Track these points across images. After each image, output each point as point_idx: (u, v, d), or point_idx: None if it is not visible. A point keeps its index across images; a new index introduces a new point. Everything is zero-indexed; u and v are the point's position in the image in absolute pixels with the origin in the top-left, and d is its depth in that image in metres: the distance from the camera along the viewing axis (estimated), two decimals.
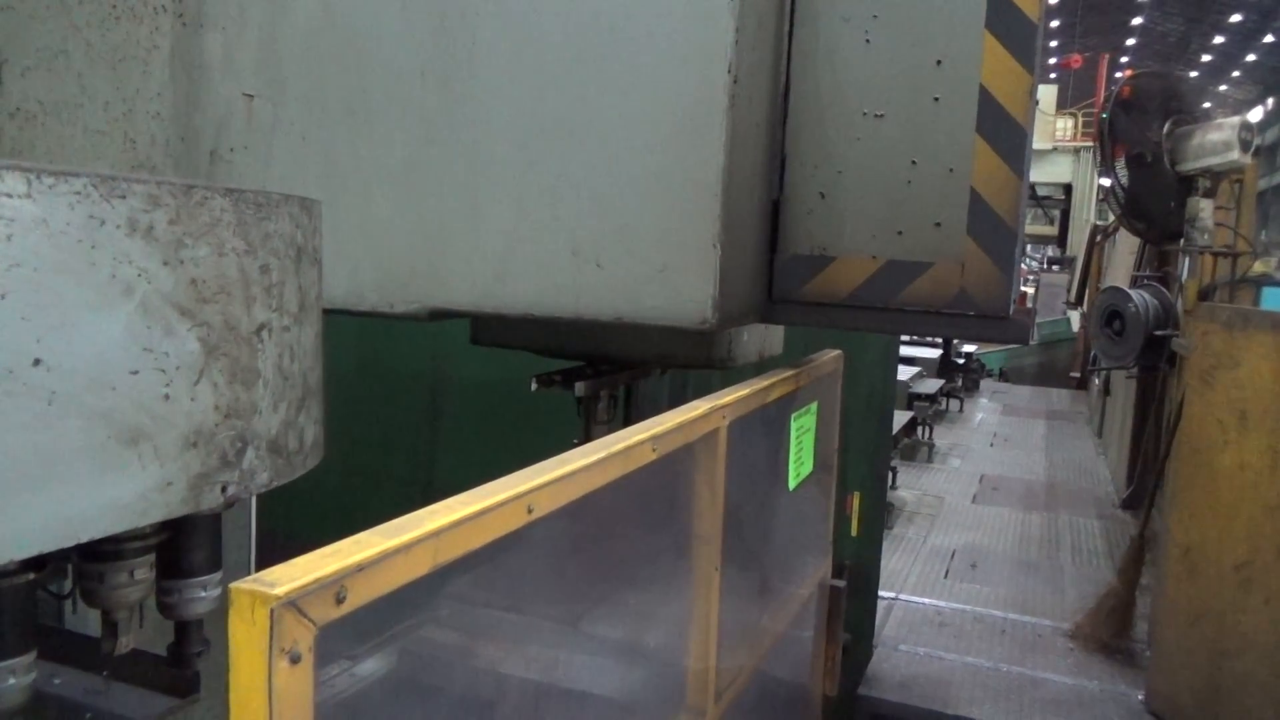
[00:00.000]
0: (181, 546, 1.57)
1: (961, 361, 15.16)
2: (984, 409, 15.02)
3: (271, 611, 0.93)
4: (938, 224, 2.44)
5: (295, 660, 0.96)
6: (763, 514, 2.77)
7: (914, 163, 2.48)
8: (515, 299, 2.39)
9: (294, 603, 0.95)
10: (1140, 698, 4.88)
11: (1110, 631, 5.58)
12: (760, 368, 4.64)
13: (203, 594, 1.62)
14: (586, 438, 2.78)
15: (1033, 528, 8.11)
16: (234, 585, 0.95)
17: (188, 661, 1.67)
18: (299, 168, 2.59)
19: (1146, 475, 7.06)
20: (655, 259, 2.27)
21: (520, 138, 2.38)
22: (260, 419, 1.43)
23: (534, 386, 2.82)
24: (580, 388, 2.76)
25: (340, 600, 1.01)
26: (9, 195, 1.07)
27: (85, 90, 2.61)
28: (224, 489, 1.37)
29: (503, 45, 2.39)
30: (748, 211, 2.42)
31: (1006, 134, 2.44)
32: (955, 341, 14.08)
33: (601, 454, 1.63)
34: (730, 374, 2.80)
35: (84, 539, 1.18)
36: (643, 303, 2.29)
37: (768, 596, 2.96)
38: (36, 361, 1.10)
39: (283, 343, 1.48)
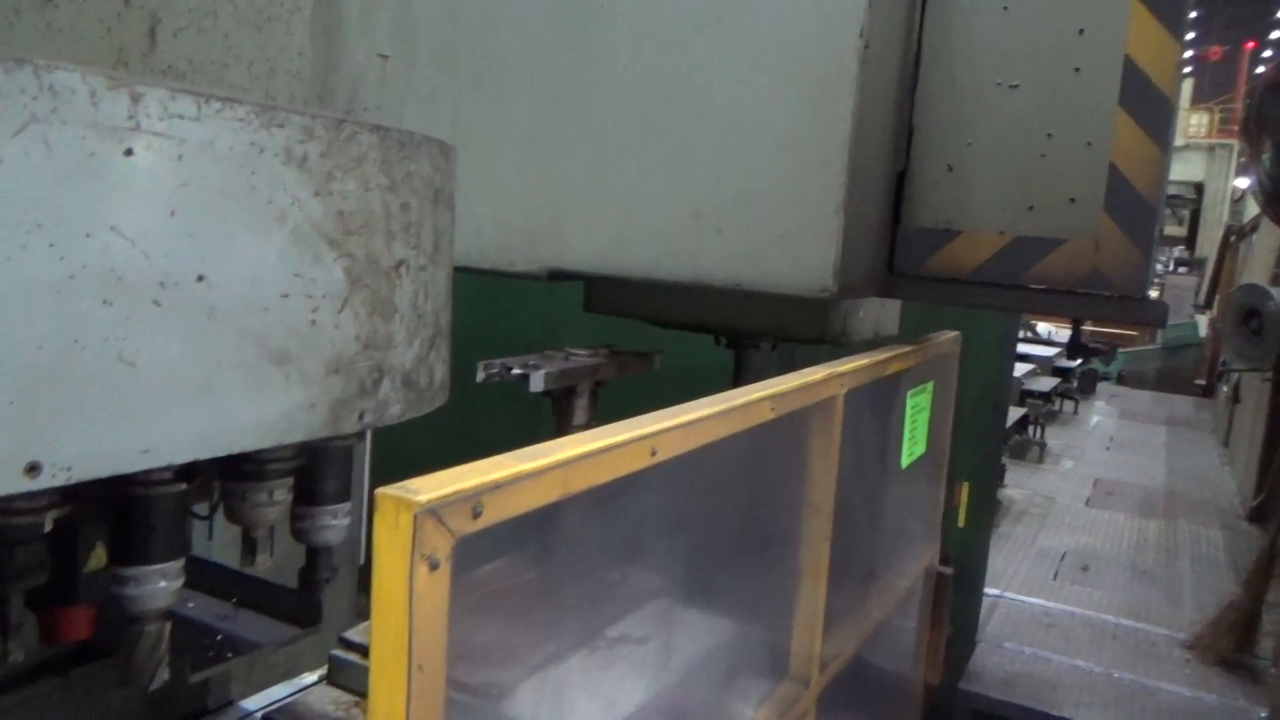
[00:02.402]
0: (316, 474, 1.64)
1: (1079, 363, 14.58)
2: (1100, 412, 14.43)
3: (415, 517, 0.96)
4: (1072, 199, 2.35)
5: (434, 567, 0.99)
6: (874, 490, 2.72)
7: (1049, 135, 2.39)
8: (634, 262, 2.40)
9: (435, 511, 0.98)
10: (1263, 716, 4.63)
11: (1231, 645, 5.31)
12: (873, 347, 4.57)
13: (333, 522, 1.69)
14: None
15: (1149, 535, 7.77)
16: (380, 491, 0.98)
17: (316, 586, 1.74)
18: (428, 128, 2.64)
19: (1278, 486, 6.67)
20: (776, 225, 2.25)
21: (645, 101, 2.39)
22: (396, 352, 1.47)
23: (480, 375, 2.46)
24: (538, 381, 2.44)
25: (476, 514, 1.04)
26: (180, 117, 1.12)
27: (231, 50, 2.73)
28: (361, 416, 1.42)
29: (632, 7, 2.39)
30: (872, 181, 2.37)
31: (1151, 107, 2.33)
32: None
33: (722, 406, 1.63)
34: (841, 352, 2.75)
35: (235, 450, 1.24)
36: (762, 269, 2.27)
37: (874, 575, 2.92)
38: (200, 278, 1.16)
39: (419, 281, 1.52)
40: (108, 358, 1.07)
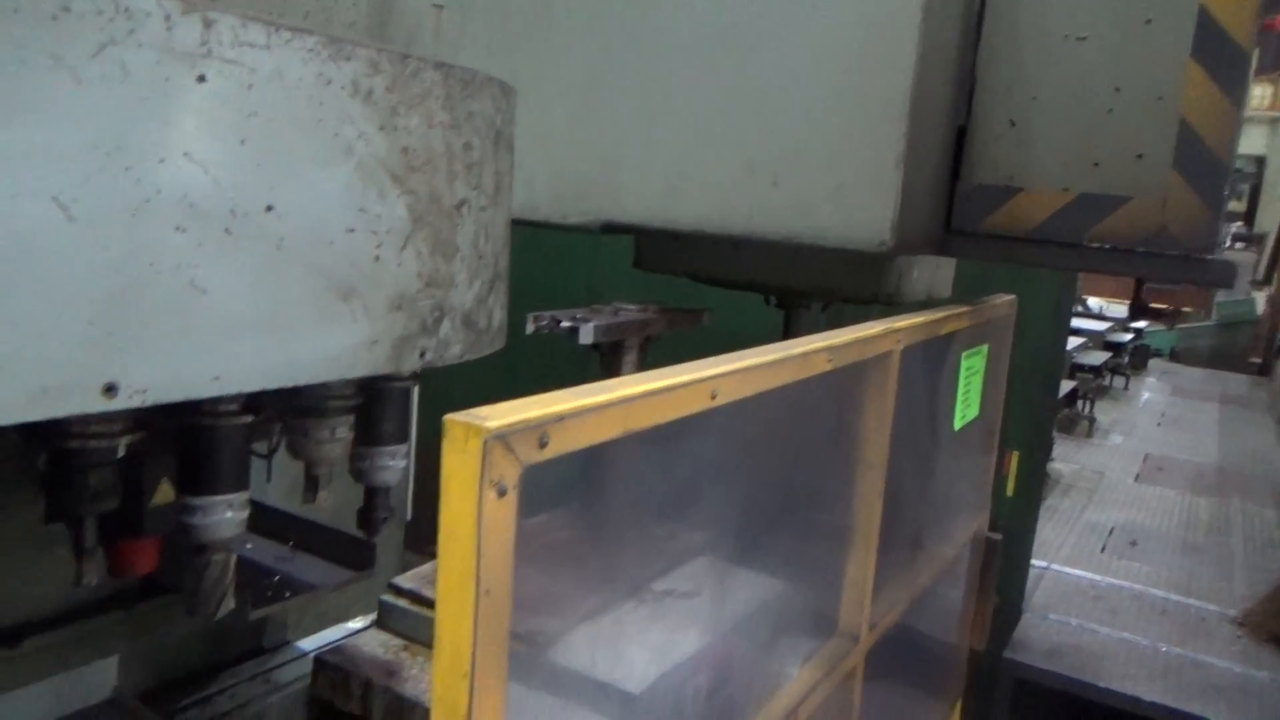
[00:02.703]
0: (375, 415, 1.66)
1: (1131, 337, 14.30)
2: (1151, 388, 14.15)
3: (484, 442, 0.96)
4: (1139, 155, 2.28)
5: (502, 493, 0.99)
6: (926, 450, 2.70)
7: (1117, 89, 2.32)
8: (686, 214, 2.38)
9: (504, 437, 0.98)
10: None
11: None
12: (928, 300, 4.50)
13: (391, 463, 1.71)
14: None
15: (1200, 511, 7.63)
16: (448, 417, 0.99)
17: (374, 526, 1.76)
18: None
19: None
20: (833, 177, 2.22)
21: (700, 52, 2.36)
22: (456, 292, 1.48)
23: (530, 327, 2.54)
24: (587, 333, 2.52)
25: (543, 444, 1.04)
26: (251, 45, 1.13)
27: (288, 0, 2.74)
28: (422, 354, 1.43)
29: None
30: (932, 136, 2.33)
31: (1226, 59, 2.25)
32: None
33: (780, 354, 1.62)
34: (893, 314, 2.71)
35: (301, 382, 1.26)
36: (817, 222, 2.24)
37: (924, 537, 2.90)
38: (269, 208, 1.17)
39: (479, 221, 1.52)
40: (181, 284, 1.09)
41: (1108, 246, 2.32)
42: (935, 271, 3.05)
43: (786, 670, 2.14)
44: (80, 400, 1.02)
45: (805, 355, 1.70)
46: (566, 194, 2.53)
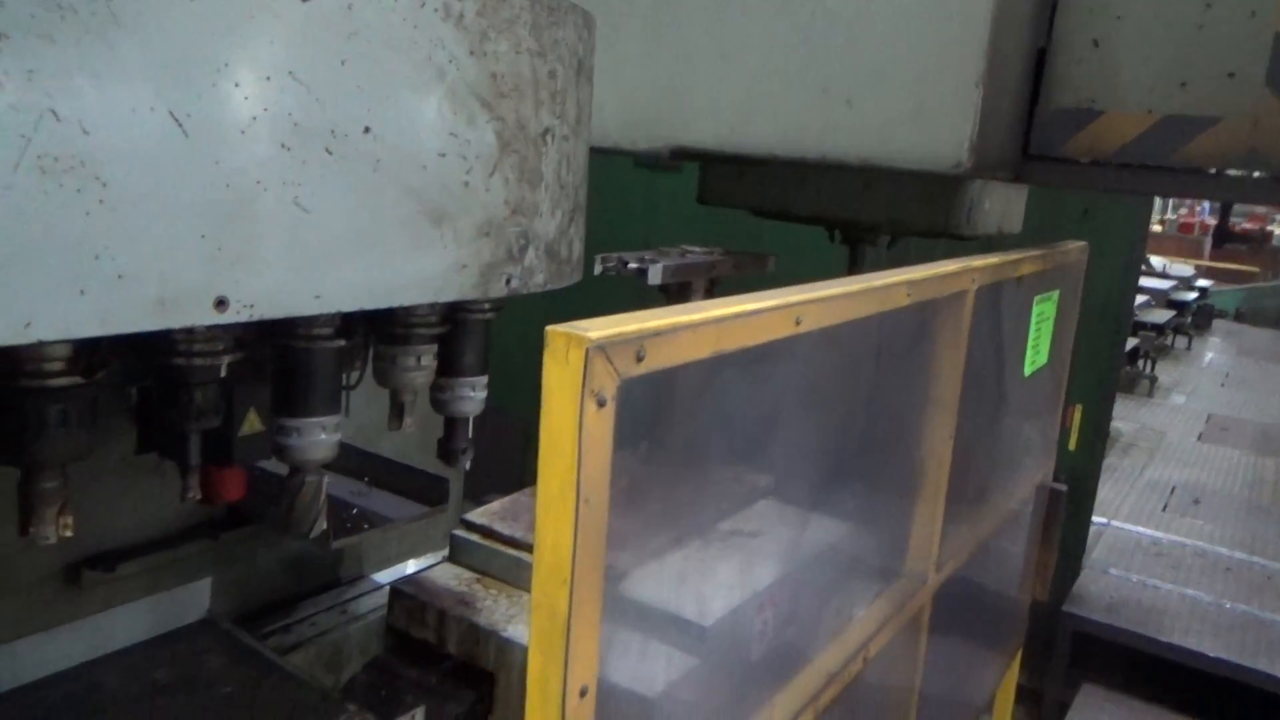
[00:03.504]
0: (456, 346, 1.69)
1: (1195, 296, 13.93)
2: (1215, 348, 13.80)
3: (586, 352, 0.98)
4: (1230, 74, 2.18)
5: (602, 404, 1.01)
6: (995, 394, 2.67)
7: (1208, 5, 2.22)
8: (758, 139, 2.34)
9: (604, 348, 1.00)
10: None
11: None
12: (995, 247, 4.41)
13: (471, 394, 1.74)
14: None
15: (1266, 472, 7.47)
16: (550, 328, 1.01)
17: (454, 456, 1.80)
18: None
19: None
20: (910, 98, 2.16)
21: None
22: (540, 221, 1.49)
23: (597, 268, 2.48)
24: (655, 274, 2.46)
25: (639, 358, 1.06)
26: None
27: None
28: (508, 281, 1.45)
29: None
30: (1012, 57, 2.25)
31: None
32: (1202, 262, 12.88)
33: (861, 285, 1.61)
34: (958, 252, 2.65)
35: (395, 304, 1.28)
36: (893, 144, 2.19)
37: (991, 482, 2.88)
38: (366, 129, 1.19)
39: (562, 151, 1.53)
40: (285, 202, 1.11)
41: (1195, 169, 2.23)
42: (1006, 205, 2.96)
43: (854, 609, 2.16)
44: (194, 312, 1.05)
45: (885, 288, 1.70)
46: (637, 120, 2.51)
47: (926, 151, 2.13)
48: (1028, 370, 2.85)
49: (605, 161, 6.30)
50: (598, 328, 1.02)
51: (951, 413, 2.21)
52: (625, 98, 2.49)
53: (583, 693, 1.07)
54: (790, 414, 1.82)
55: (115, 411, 1.87)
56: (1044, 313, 2.90)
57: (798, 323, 1.39)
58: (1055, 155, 2.33)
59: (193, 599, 1.86)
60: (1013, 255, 2.43)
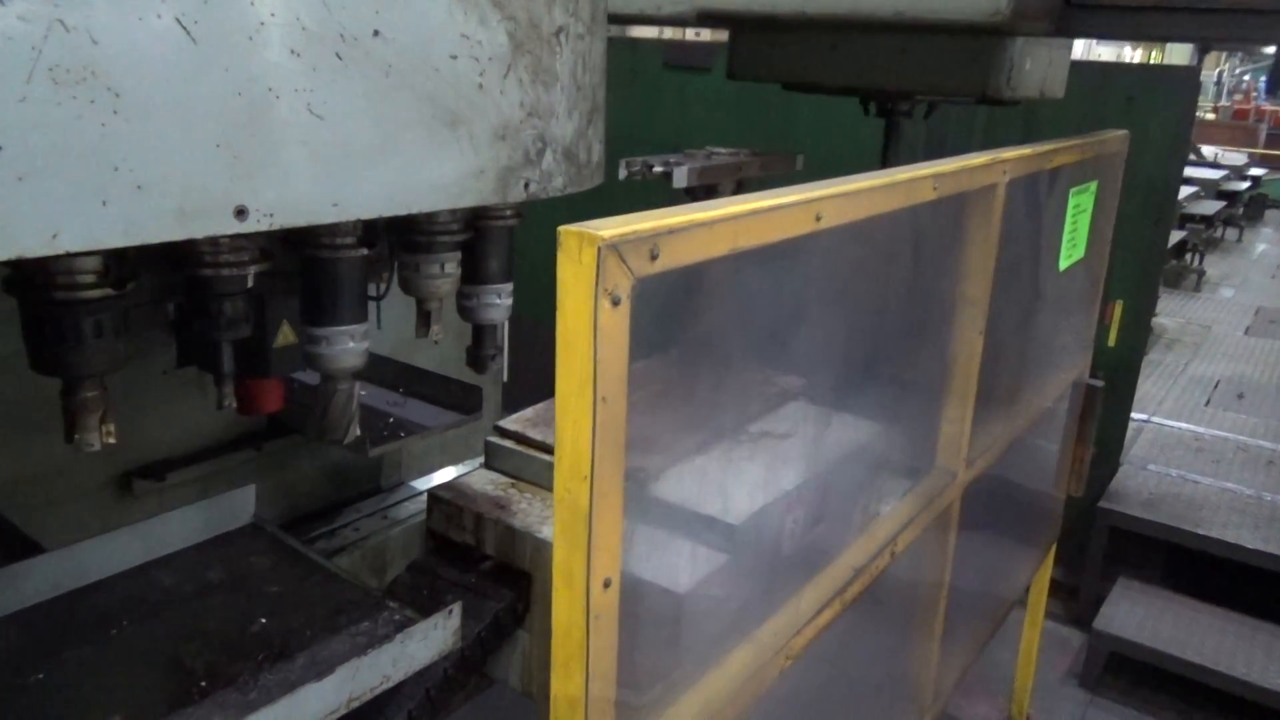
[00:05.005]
0: (481, 254, 1.70)
1: (1248, 186, 13.47)
2: (1268, 239, 13.42)
3: (599, 250, 0.98)
4: None
5: (616, 303, 1.02)
6: (1029, 289, 2.64)
7: None
8: None
9: (616, 247, 1.00)
10: None
11: None
12: (1031, 127, 4.27)
13: (498, 301, 1.76)
14: None
15: None
16: (562, 228, 1.01)
17: (483, 362, 1.83)
18: None
19: None
20: None
21: None
22: (557, 123, 1.48)
23: (622, 172, 2.48)
24: (680, 176, 2.45)
25: (654, 257, 1.06)
26: None
27: None
28: (526, 185, 1.44)
29: None
30: None
31: None
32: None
33: (885, 180, 1.59)
34: (997, 140, 2.54)
35: (413, 210, 1.29)
36: None
37: (1024, 378, 2.87)
38: (376, 32, 1.18)
39: (577, 50, 1.50)
40: (299, 108, 1.11)
41: (1241, 9, 2.12)
42: (1049, 67, 2.85)
43: (884, 506, 2.19)
44: (214, 222, 1.07)
45: (911, 181, 1.67)
46: None
47: (964, 1, 2.04)
48: (1063, 264, 2.80)
49: (635, 64, 6.18)
50: (611, 226, 1.02)
51: (982, 309, 2.19)
52: None
53: (606, 584, 1.11)
54: (819, 311, 1.81)
55: (154, 326, 1.92)
56: (1081, 205, 2.83)
57: (818, 219, 1.38)
58: (1097, 2, 2.21)
59: (239, 505, 1.93)
60: (1046, 146, 2.36)
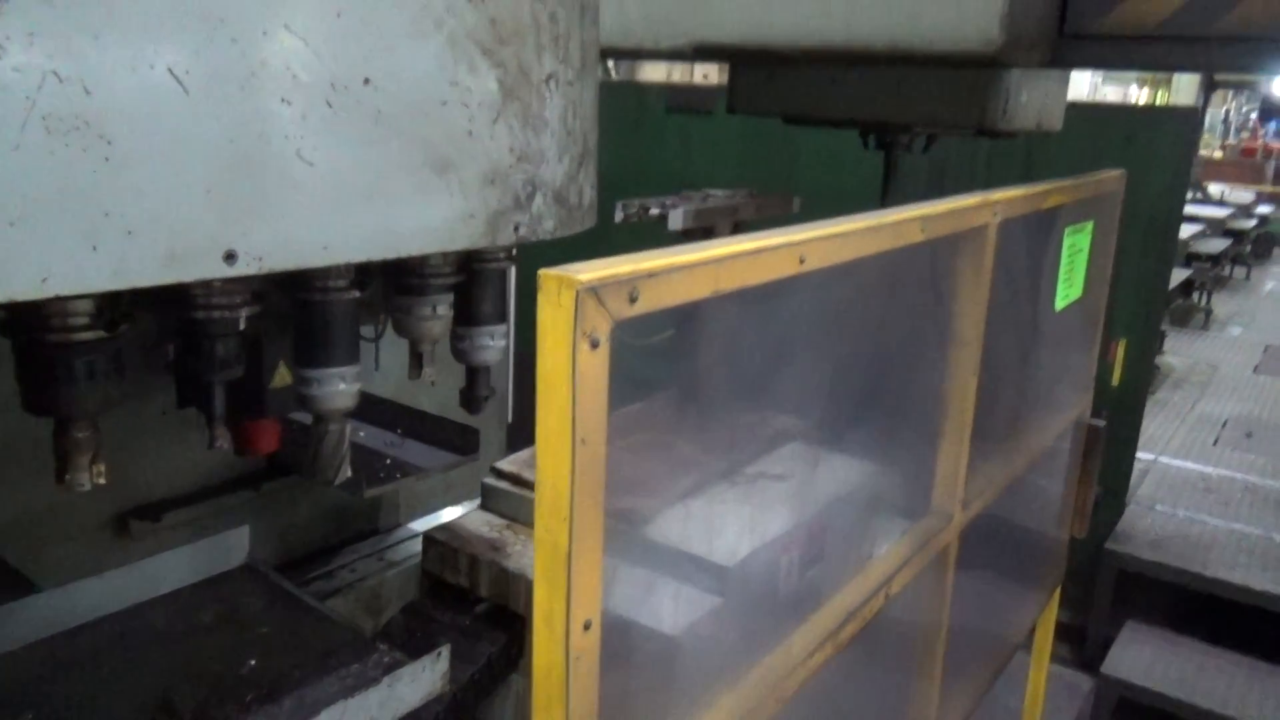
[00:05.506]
0: (474, 296, 1.72)
1: (1255, 224, 13.48)
2: (1276, 277, 13.40)
3: (577, 294, 1.00)
4: None
5: (595, 345, 1.03)
6: (1024, 329, 2.64)
7: None
8: (782, 30, 2.28)
9: (595, 290, 1.02)
10: None
11: None
12: (1032, 165, 4.28)
13: (490, 343, 1.77)
14: None
15: None
16: (542, 271, 1.03)
17: (476, 403, 1.84)
18: None
19: None
20: None
21: None
22: (547, 167, 1.51)
23: (618, 215, 2.57)
24: (676, 219, 2.55)
25: (633, 299, 1.07)
26: None
27: None
28: (516, 228, 1.46)
29: None
30: None
31: None
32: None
33: (872, 222, 1.61)
34: (998, 179, 2.54)
35: (403, 254, 1.31)
36: (920, 24, 2.11)
37: (1021, 418, 2.86)
38: (366, 80, 1.21)
39: (567, 96, 1.53)
40: (289, 155, 1.14)
41: (1240, 38, 2.12)
42: (1045, 98, 2.87)
43: (879, 548, 2.18)
44: (204, 266, 1.09)
45: (898, 224, 1.69)
46: (660, 18, 2.46)
47: (956, 31, 2.06)
48: (1060, 304, 2.81)
49: (640, 108, 6.27)
50: (590, 269, 1.03)
51: (976, 348, 2.19)
52: None
53: (586, 625, 1.11)
54: (812, 351, 1.83)
55: (155, 369, 1.94)
56: (1077, 244, 2.84)
57: (802, 261, 1.40)
58: (1093, 33, 2.23)
59: (233, 545, 1.94)
60: (1039, 187, 2.38)
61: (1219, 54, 2.15)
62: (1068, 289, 2.83)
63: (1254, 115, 26.28)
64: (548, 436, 1.06)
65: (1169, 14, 2.14)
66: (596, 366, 1.04)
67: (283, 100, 1.12)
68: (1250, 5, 2.05)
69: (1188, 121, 4.59)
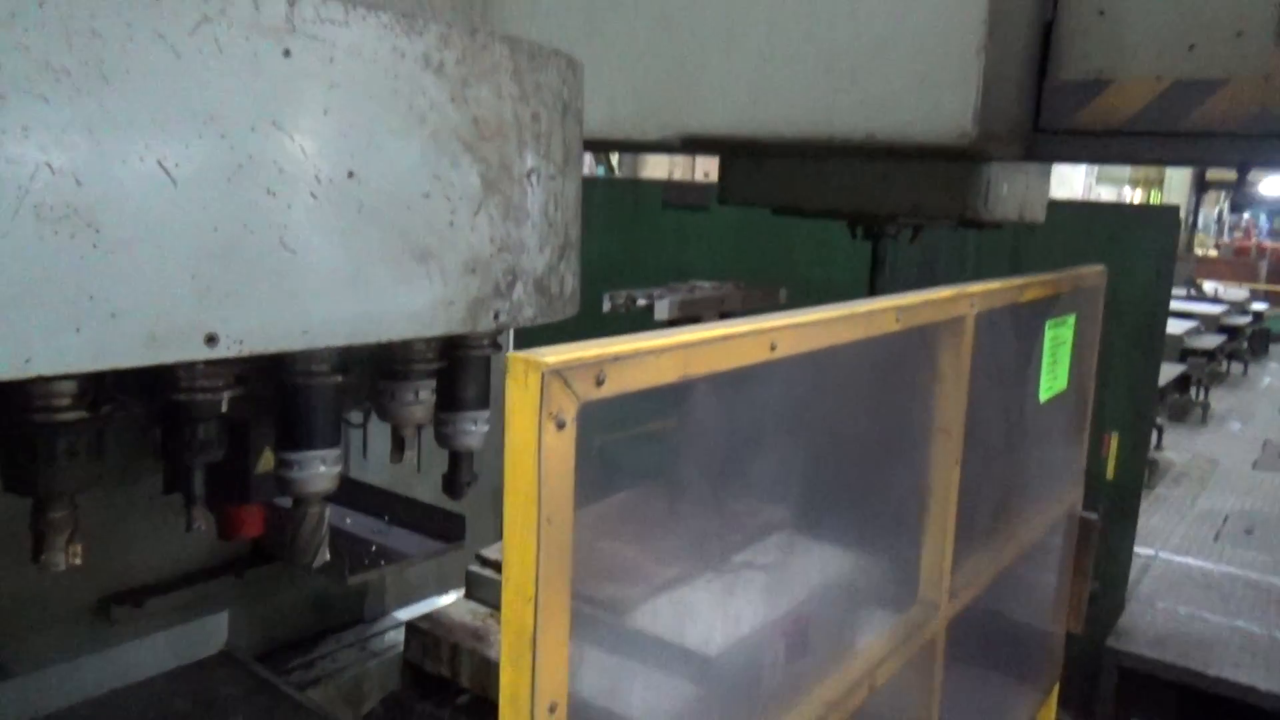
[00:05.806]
0: (457, 381, 1.75)
1: (1250, 320, 13.60)
2: (1273, 373, 13.44)
3: (542, 376, 1.03)
4: (1239, 33, 2.14)
5: (561, 426, 1.06)
6: (1009, 419, 2.66)
7: None
8: (767, 122, 2.36)
9: (561, 373, 1.05)
10: None
11: None
12: (1020, 259, 4.34)
13: (473, 428, 1.80)
14: None
15: None
16: (510, 354, 1.06)
17: (458, 488, 1.86)
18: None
19: None
20: (912, 70, 2.15)
21: None
22: (528, 257, 1.55)
23: (606, 306, 2.61)
24: (663, 309, 2.57)
25: (600, 382, 1.10)
26: (331, 21, 1.22)
27: None
28: (496, 315, 1.50)
29: None
30: (1016, 28, 2.21)
31: None
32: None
33: (845, 311, 1.65)
34: (988, 253, 2.57)
35: (383, 339, 1.34)
36: (897, 117, 2.18)
37: (1009, 509, 2.86)
38: (350, 174, 1.26)
39: (549, 190, 1.59)
40: (272, 243, 1.19)
41: (1207, 133, 2.18)
42: (1027, 191, 2.94)
43: (864, 638, 2.16)
44: (185, 348, 1.13)
45: (871, 313, 1.73)
46: (647, 110, 2.53)
47: (931, 123, 2.12)
48: (1044, 396, 2.84)
49: (638, 202, 6.42)
50: (556, 353, 1.07)
51: (958, 438, 2.21)
52: (636, 87, 2.52)
53: (552, 708, 1.10)
54: (794, 440, 1.84)
55: (144, 454, 1.96)
56: (1059, 337, 2.88)
57: (772, 348, 1.43)
58: (1066, 128, 2.30)
59: (211, 632, 1.93)
60: (1016, 280, 2.44)
61: (1189, 148, 2.22)
62: (1052, 380, 2.86)
63: (1246, 215, 26.81)
64: (514, 516, 1.07)
65: (1140, 109, 2.21)
66: (563, 447, 1.07)
67: (268, 192, 1.17)
68: (1217, 101, 2.13)
69: (1169, 219, 4.69)
